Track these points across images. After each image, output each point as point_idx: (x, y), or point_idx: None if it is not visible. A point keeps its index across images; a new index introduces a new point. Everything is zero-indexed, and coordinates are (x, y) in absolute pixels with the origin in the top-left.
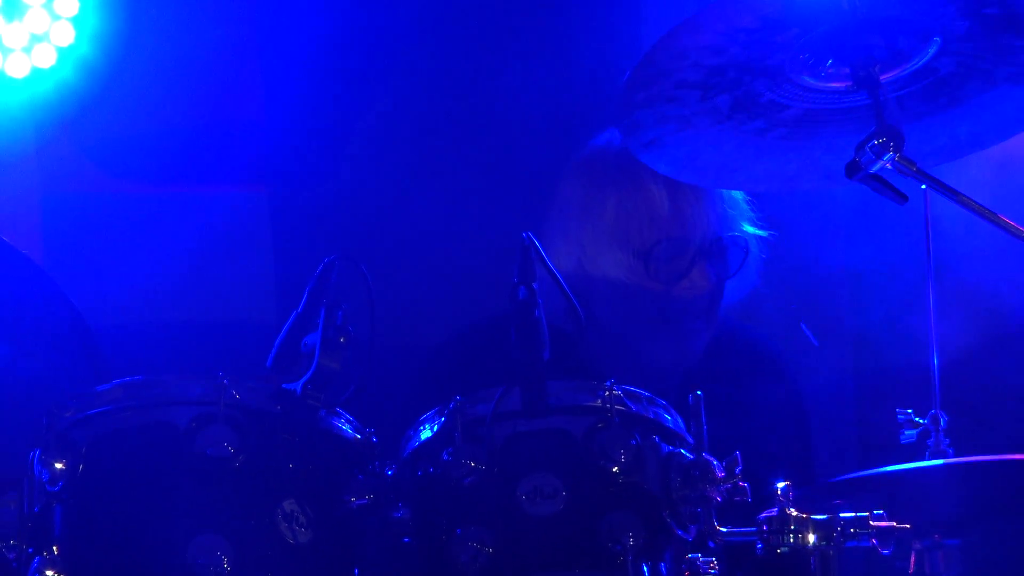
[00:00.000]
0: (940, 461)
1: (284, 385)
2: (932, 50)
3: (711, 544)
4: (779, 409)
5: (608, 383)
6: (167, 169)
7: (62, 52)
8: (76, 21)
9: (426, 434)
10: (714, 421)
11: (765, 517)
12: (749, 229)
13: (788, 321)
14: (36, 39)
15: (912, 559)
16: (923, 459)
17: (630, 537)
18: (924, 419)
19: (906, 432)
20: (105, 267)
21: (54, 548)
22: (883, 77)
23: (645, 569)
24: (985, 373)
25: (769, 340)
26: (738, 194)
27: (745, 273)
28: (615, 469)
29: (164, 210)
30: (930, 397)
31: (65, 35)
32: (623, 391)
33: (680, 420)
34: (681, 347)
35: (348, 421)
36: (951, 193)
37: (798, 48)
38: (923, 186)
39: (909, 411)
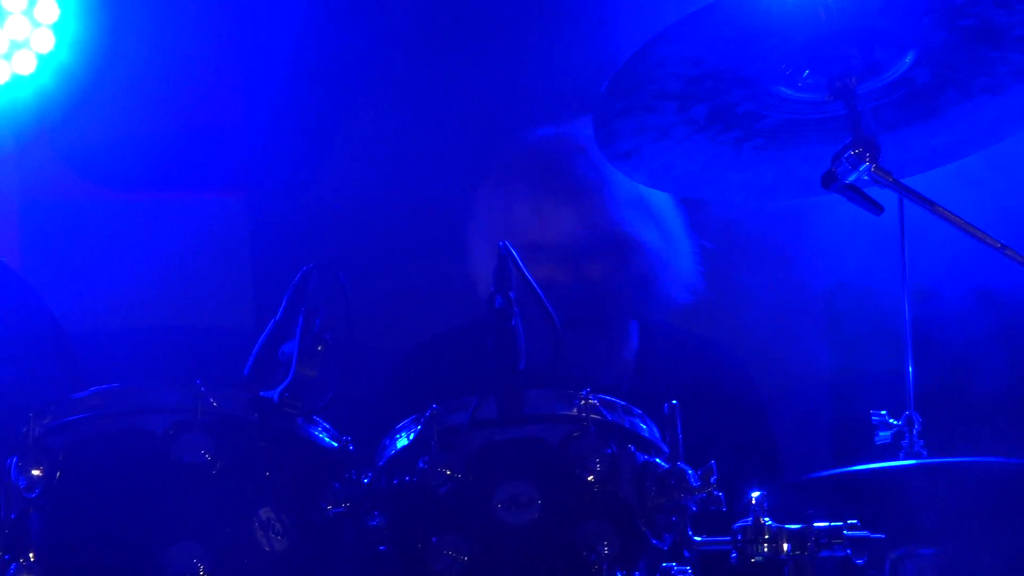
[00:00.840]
0: (912, 461)
1: (261, 393)
2: (908, 61)
3: (686, 553)
4: (742, 416)
5: (584, 392)
6: (146, 175)
7: (42, 59)
8: (56, 28)
9: (402, 442)
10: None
11: (740, 526)
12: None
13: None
14: (16, 46)
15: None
16: (897, 460)
17: (605, 546)
18: (899, 420)
19: (880, 433)
20: (83, 274)
21: (31, 555)
22: (859, 88)
23: None
24: (960, 375)
25: (730, 347)
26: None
27: (649, 276)
28: (590, 478)
29: (143, 217)
30: (904, 399)
31: (45, 42)
32: (599, 400)
33: (656, 429)
34: (604, 351)
35: (325, 429)
36: (927, 204)
37: (775, 59)
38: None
39: (883, 412)
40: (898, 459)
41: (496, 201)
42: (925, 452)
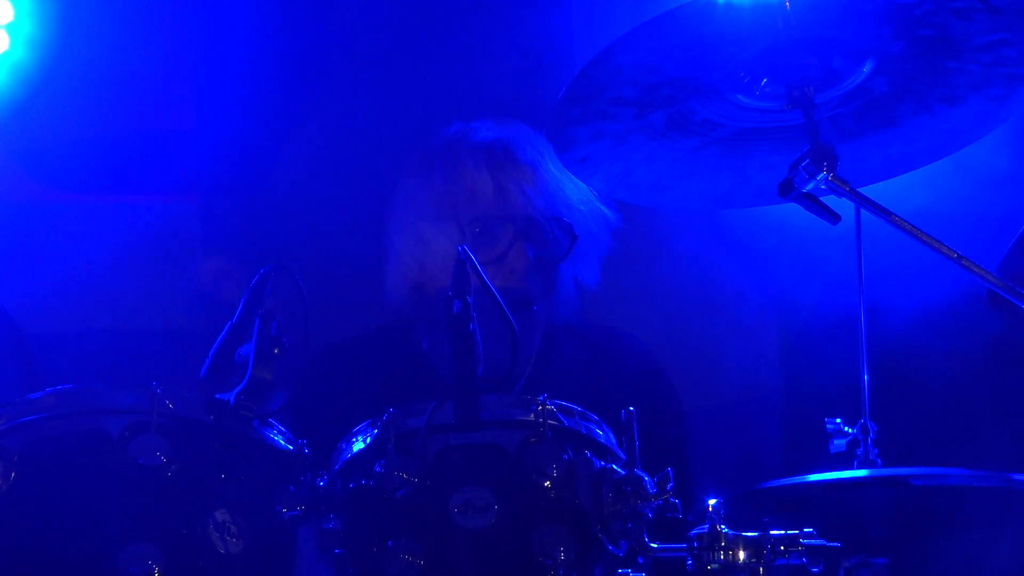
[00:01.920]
0: (864, 472)
1: (217, 395)
2: (866, 70)
3: (640, 560)
4: (656, 415)
5: (541, 398)
6: (100, 177)
7: None
8: (10, 28)
9: (358, 446)
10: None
11: (696, 533)
12: (584, 208)
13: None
14: None
15: None
16: (851, 468)
17: (561, 551)
18: (853, 429)
19: (835, 442)
20: (37, 275)
21: None
22: (818, 97)
23: None
24: (915, 383)
25: (645, 343)
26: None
27: (582, 260)
28: (547, 483)
29: (96, 218)
30: (859, 407)
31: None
32: (556, 406)
33: (612, 435)
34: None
35: (281, 432)
36: (884, 214)
37: (733, 67)
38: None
39: (838, 420)
40: (852, 467)
41: (449, 176)
42: (880, 461)
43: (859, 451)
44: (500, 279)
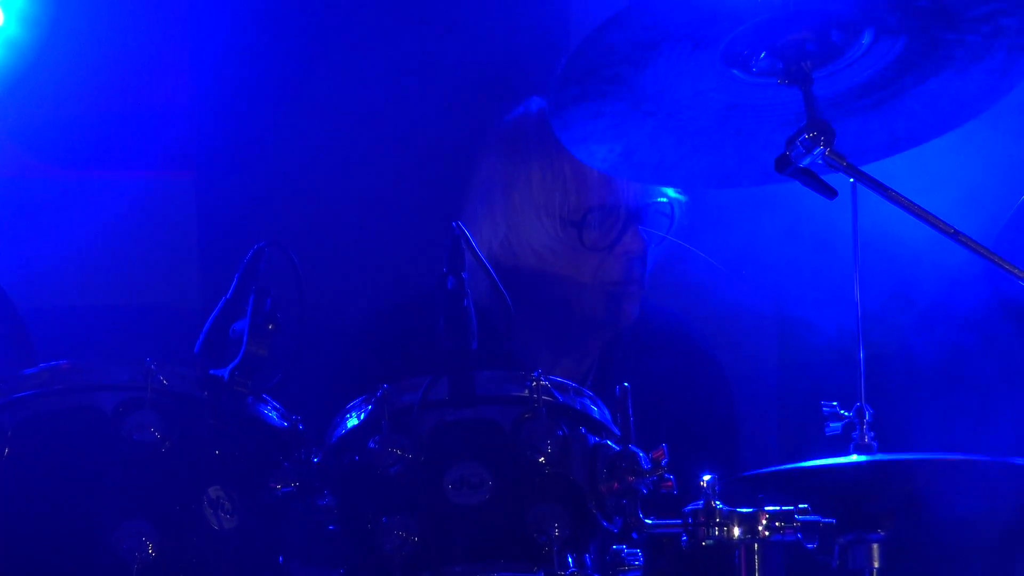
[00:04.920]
0: (860, 457)
1: (211, 371)
2: (865, 43)
3: (635, 536)
4: (702, 395)
5: (536, 373)
6: (94, 152)
7: None
8: (4, 3)
9: (353, 422)
10: (637, 405)
11: (691, 509)
12: (671, 192)
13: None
14: None
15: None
16: (848, 452)
17: (555, 528)
18: (849, 412)
19: (831, 425)
20: (32, 251)
21: None
22: (815, 72)
23: (570, 560)
24: (911, 366)
25: (691, 321)
26: None
27: (667, 239)
28: (541, 460)
29: (91, 194)
30: (855, 389)
31: None
32: (551, 382)
33: (607, 411)
34: (613, 317)
35: (275, 408)
36: (880, 188)
37: (730, 43)
38: (851, 180)
39: (834, 403)
40: (848, 451)
41: (551, 168)
42: (876, 444)
43: (855, 434)
44: (616, 265)
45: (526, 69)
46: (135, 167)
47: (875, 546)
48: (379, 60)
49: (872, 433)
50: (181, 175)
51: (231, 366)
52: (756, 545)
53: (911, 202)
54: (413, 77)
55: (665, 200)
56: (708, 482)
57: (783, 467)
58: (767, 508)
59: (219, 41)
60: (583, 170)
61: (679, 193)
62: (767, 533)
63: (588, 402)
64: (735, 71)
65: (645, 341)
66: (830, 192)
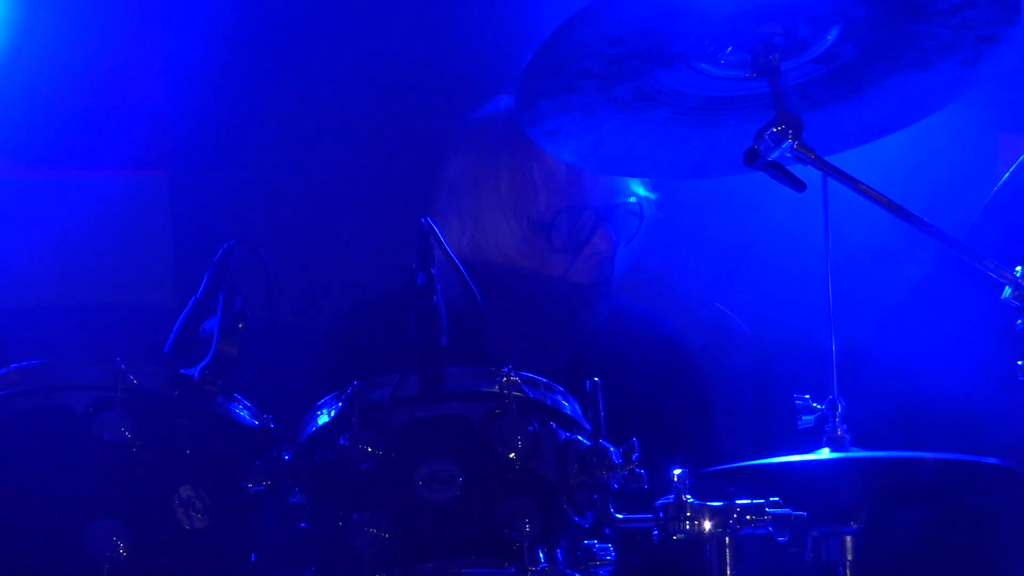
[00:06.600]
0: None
1: (182, 370)
2: (832, 37)
3: (607, 530)
4: (677, 389)
5: (506, 369)
6: (66, 151)
7: None
8: None
9: (323, 419)
10: (610, 402)
11: (661, 504)
12: (641, 192)
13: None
14: None
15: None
16: (820, 445)
17: (526, 523)
18: (822, 405)
19: (804, 418)
20: (3, 250)
21: None
22: (783, 64)
23: (541, 555)
24: (883, 359)
25: (664, 317)
26: None
27: (637, 239)
28: (512, 455)
29: (63, 193)
30: (828, 382)
31: None
32: (521, 377)
33: (577, 407)
34: (582, 316)
35: (246, 407)
36: (850, 181)
37: (697, 36)
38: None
39: (807, 396)
40: (821, 444)
41: (520, 170)
42: (848, 437)
43: (827, 427)
44: (585, 265)
45: (494, 67)
46: (108, 166)
47: (848, 539)
48: (349, 60)
49: (845, 426)
50: (155, 173)
51: (201, 365)
52: (727, 539)
53: (881, 195)
54: (382, 76)
55: (634, 200)
56: (679, 476)
57: (751, 463)
58: (738, 502)
59: (192, 40)
60: (551, 171)
61: (649, 191)
62: (738, 527)
63: (559, 398)
64: (703, 64)
65: (618, 337)
66: (799, 185)
